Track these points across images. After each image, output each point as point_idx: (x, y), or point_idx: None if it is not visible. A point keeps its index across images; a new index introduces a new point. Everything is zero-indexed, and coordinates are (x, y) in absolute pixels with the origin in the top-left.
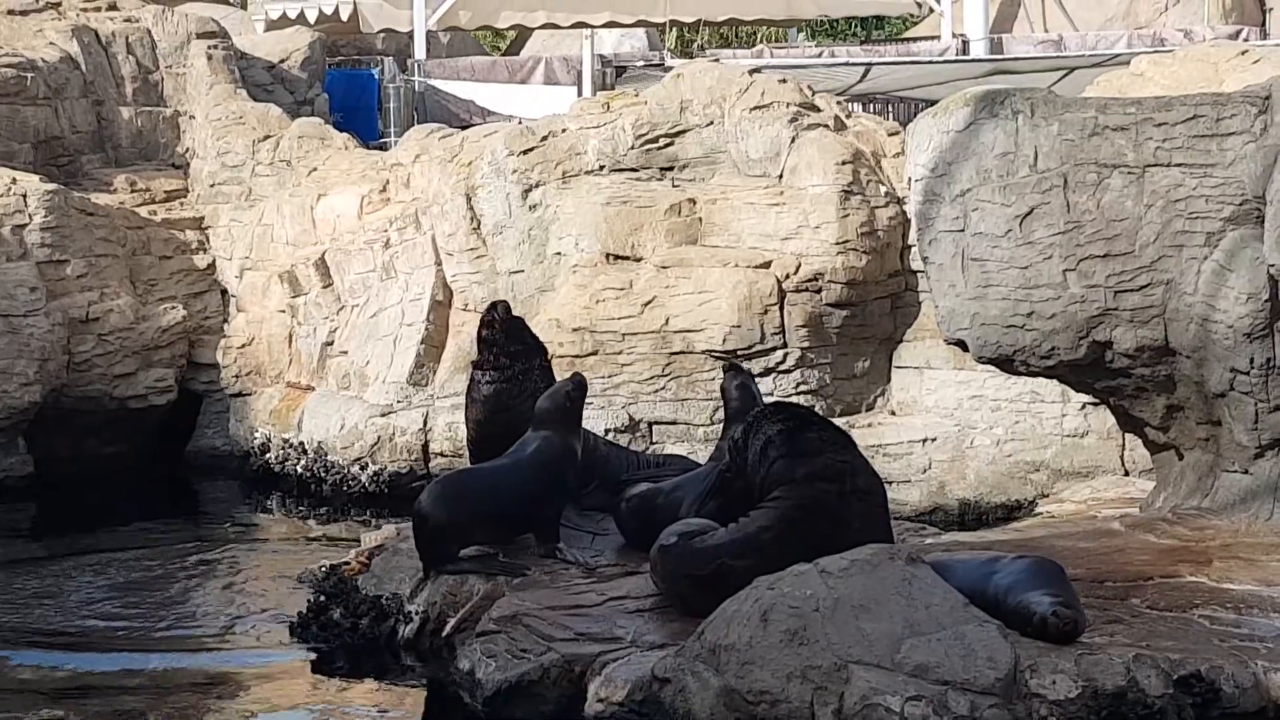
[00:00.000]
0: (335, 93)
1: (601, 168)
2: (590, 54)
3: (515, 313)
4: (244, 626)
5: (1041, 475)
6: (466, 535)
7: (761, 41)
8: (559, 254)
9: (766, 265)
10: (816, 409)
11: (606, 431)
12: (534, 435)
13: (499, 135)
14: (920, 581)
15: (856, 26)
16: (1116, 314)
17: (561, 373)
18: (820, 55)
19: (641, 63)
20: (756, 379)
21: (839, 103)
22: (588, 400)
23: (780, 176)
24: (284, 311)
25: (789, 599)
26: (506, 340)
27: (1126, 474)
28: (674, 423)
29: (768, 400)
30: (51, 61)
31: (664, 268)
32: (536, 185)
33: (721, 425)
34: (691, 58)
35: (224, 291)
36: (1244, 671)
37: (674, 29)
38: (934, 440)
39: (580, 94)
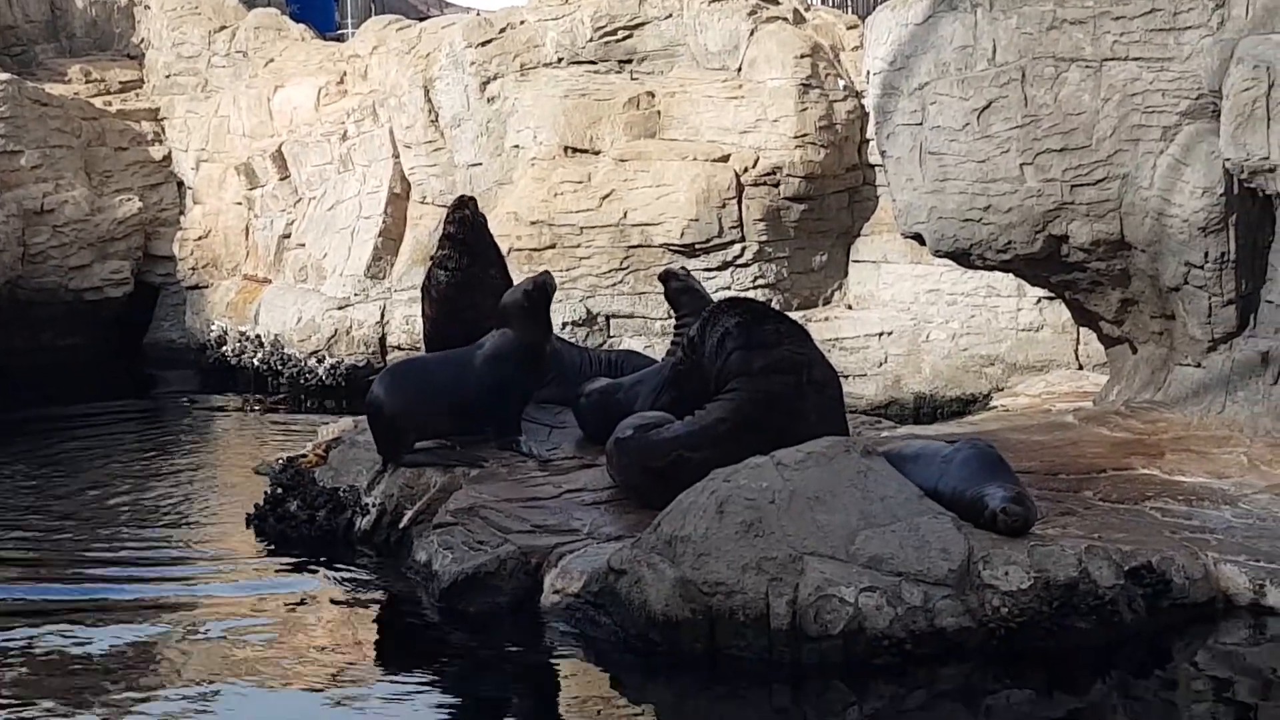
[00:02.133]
0: None
1: (560, 60)
2: None
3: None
4: (200, 519)
5: (996, 369)
6: (422, 425)
7: None
8: (517, 147)
9: (725, 159)
10: (773, 303)
11: (564, 325)
12: (496, 331)
13: (457, 27)
14: (875, 474)
15: None
16: (1073, 208)
17: (518, 267)
18: None
19: None
20: (714, 272)
21: None
22: None
23: (739, 70)
24: (240, 204)
25: (745, 491)
26: (473, 238)
27: (1080, 368)
28: (631, 316)
29: (722, 295)
30: None
31: (622, 161)
32: (495, 78)
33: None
34: None
35: (180, 184)
36: (1194, 563)
37: None
38: (890, 334)
39: None
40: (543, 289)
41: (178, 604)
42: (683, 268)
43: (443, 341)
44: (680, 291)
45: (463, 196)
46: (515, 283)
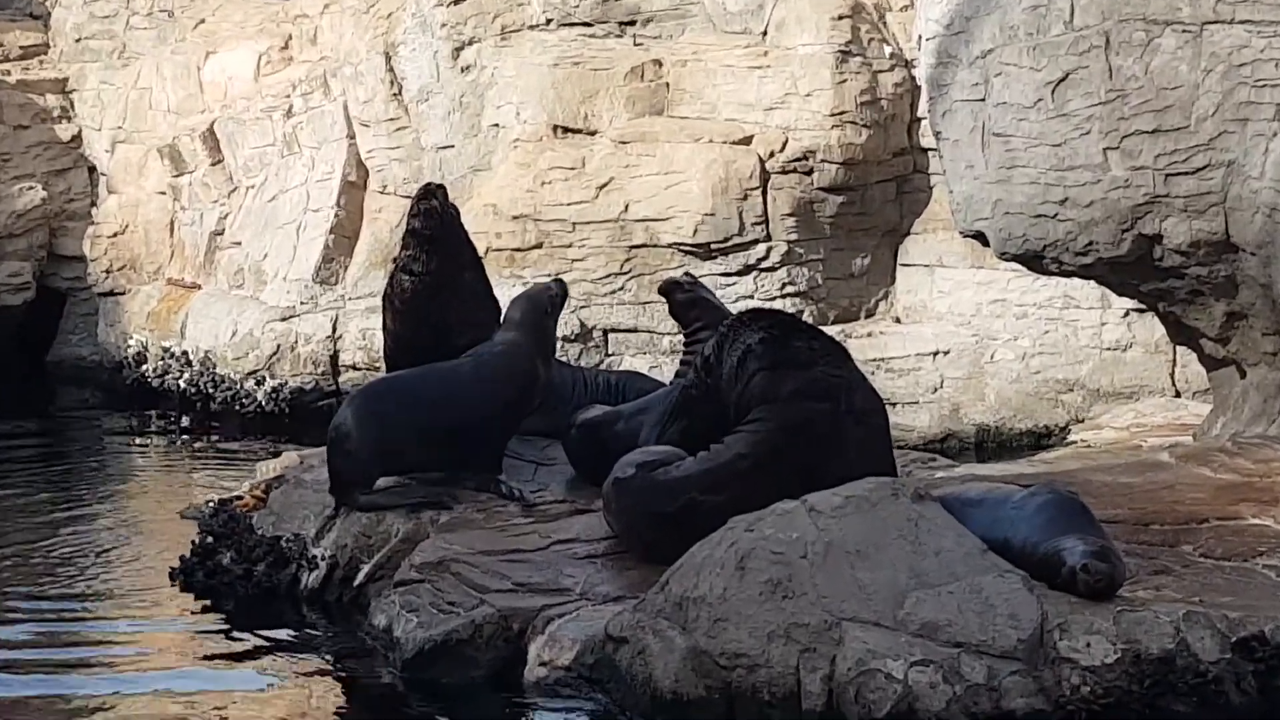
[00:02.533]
0: None
1: (549, 21)
2: None
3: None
4: (116, 573)
5: (1075, 396)
6: (397, 460)
7: None
8: (497, 126)
9: (747, 141)
10: (805, 315)
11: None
12: (502, 337)
13: None
14: (928, 522)
15: None
16: (1167, 201)
17: (496, 272)
18: None
19: None
20: (733, 278)
21: None
22: None
23: (764, 33)
24: (164, 193)
25: (771, 543)
26: (443, 234)
27: (1177, 395)
28: (634, 330)
29: (743, 306)
30: None
31: (623, 143)
32: (470, 42)
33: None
34: None
35: (92, 169)
36: None
37: None
38: (947, 353)
39: None
40: (565, 294)
41: (81, 693)
42: (688, 274)
43: (408, 359)
44: (687, 305)
45: (429, 185)
46: (493, 289)
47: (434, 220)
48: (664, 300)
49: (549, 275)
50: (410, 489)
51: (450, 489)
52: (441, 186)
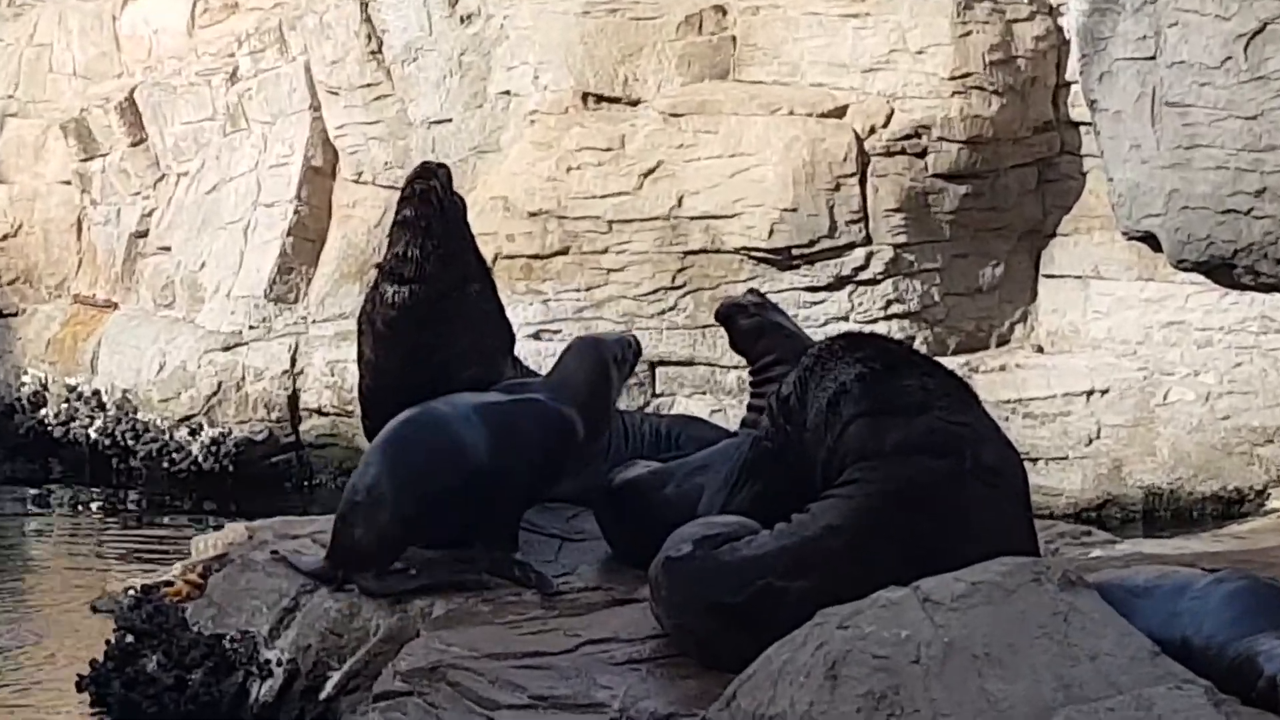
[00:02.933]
0: None
1: None
2: None
3: None
4: (5, 684)
5: (1277, 449)
6: (425, 530)
7: None
8: (508, 94)
9: (839, 113)
10: (918, 343)
11: None
12: (546, 382)
13: None
14: (1082, 616)
15: None
16: None
17: (508, 287)
18: None
19: None
20: (821, 294)
21: None
22: (551, 329)
23: None
24: (69, 183)
25: (872, 644)
26: (444, 231)
27: None
28: (689, 363)
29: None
30: None
31: (675, 116)
32: None
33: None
34: None
35: None
36: None
37: None
38: (1105, 393)
39: None
40: (639, 354)
41: None
42: (754, 292)
43: (392, 400)
44: (754, 332)
45: (428, 163)
46: (504, 307)
47: (433, 209)
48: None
49: (576, 290)
50: (433, 566)
51: (477, 568)
52: (445, 166)
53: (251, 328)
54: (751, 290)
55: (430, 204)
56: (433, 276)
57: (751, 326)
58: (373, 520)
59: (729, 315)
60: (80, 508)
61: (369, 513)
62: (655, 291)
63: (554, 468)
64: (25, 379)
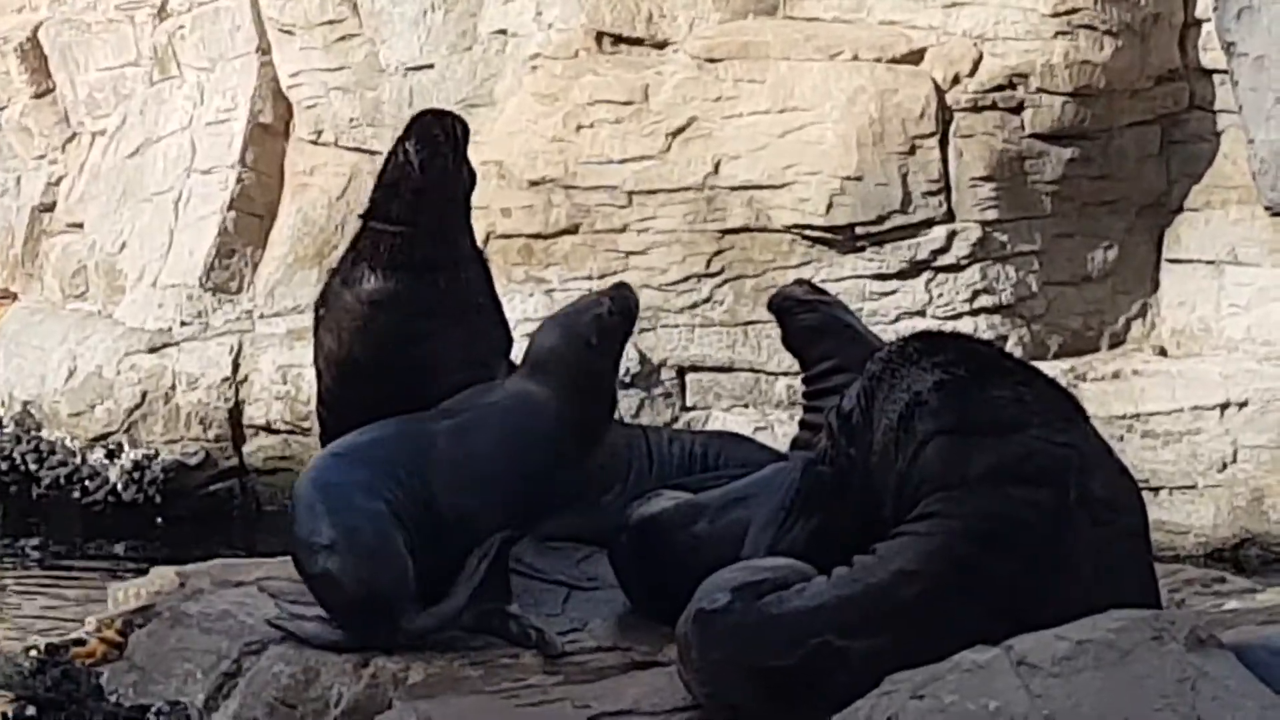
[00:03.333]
0: None
1: None
2: None
3: None
4: None
5: None
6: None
7: None
8: (503, 33)
9: (915, 57)
10: (1011, 344)
11: None
12: (514, 387)
13: None
14: (1214, 684)
15: None
16: None
17: (504, 271)
18: None
19: None
20: (892, 282)
21: None
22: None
23: None
24: None
25: (955, 716)
26: (443, 199)
27: None
28: (729, 369)
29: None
30: None
31: (711, 61)
32: None
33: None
34: None
35: None
36: None
37: None
38: (1243, 406)
39: None
40: (626, 312)
41: None
42: (804, 283)
43: (361, 406)
44: (813, 331)
45: (436, 110)
46: (500, 300)
47: (435, 170)
48: (774, 321)
49: (587, 277)
50: (455, 597)
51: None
52: (461, 119)
53: (184, 324)
54: (801, 281)
55: (438, 159)
56: (421, 260)
57: (810, 324)
58: (387, 568)
59: (783, 308)
60: None
61: (380, 563)
62: (686, 280)
63: (538, 481)
64: None
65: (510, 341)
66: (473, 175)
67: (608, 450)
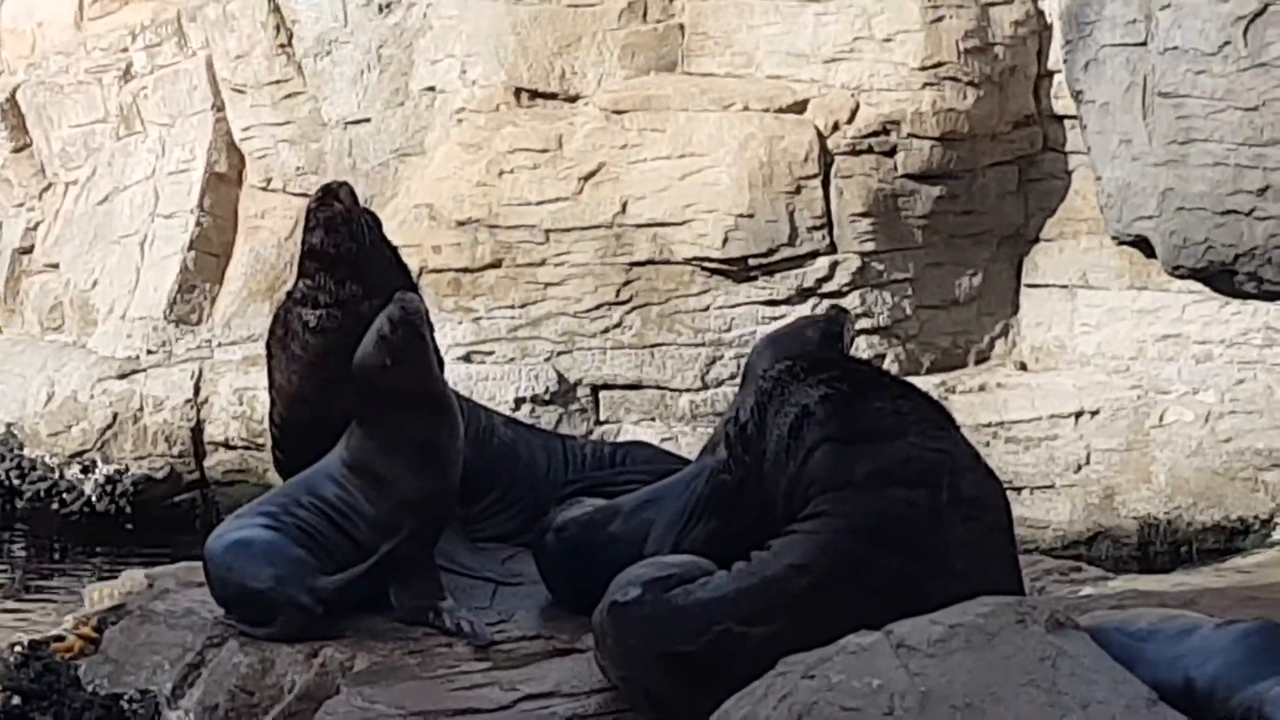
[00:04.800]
0: None
1: None
2: None
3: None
4: None
5: None
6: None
7: None
8: (432, 90)
9: (799, 107)
10: (888, 362)
11: (519, 402)
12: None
13: None
14: (1072, 662)
15: None
16: None
17: (435, 303)
18: None
19: None
20: (780, 307)
21: None
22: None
23: None
24: None
25: (841, 694)
26: (359, 254)
27: None
28: (637, 386)
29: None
30: None
31: (618, 113)
32: None
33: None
34: None
35: None
36: None
37: None
38: (1095, 414)
39: None
40: (409, 320)
41: None
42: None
43: (311, 433)
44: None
45: (329, 185)
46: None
47: (340, 234)
48: (680, 343)
49: (510, 306)
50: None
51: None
52: (346, 185)
53: (150, 352)
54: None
55: (336, 229)
56: (348, 302)
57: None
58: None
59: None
60: None
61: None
62: (598, 307)
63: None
64: None
65: (441, 366)
66: (373, 218)
67: (528, 456)
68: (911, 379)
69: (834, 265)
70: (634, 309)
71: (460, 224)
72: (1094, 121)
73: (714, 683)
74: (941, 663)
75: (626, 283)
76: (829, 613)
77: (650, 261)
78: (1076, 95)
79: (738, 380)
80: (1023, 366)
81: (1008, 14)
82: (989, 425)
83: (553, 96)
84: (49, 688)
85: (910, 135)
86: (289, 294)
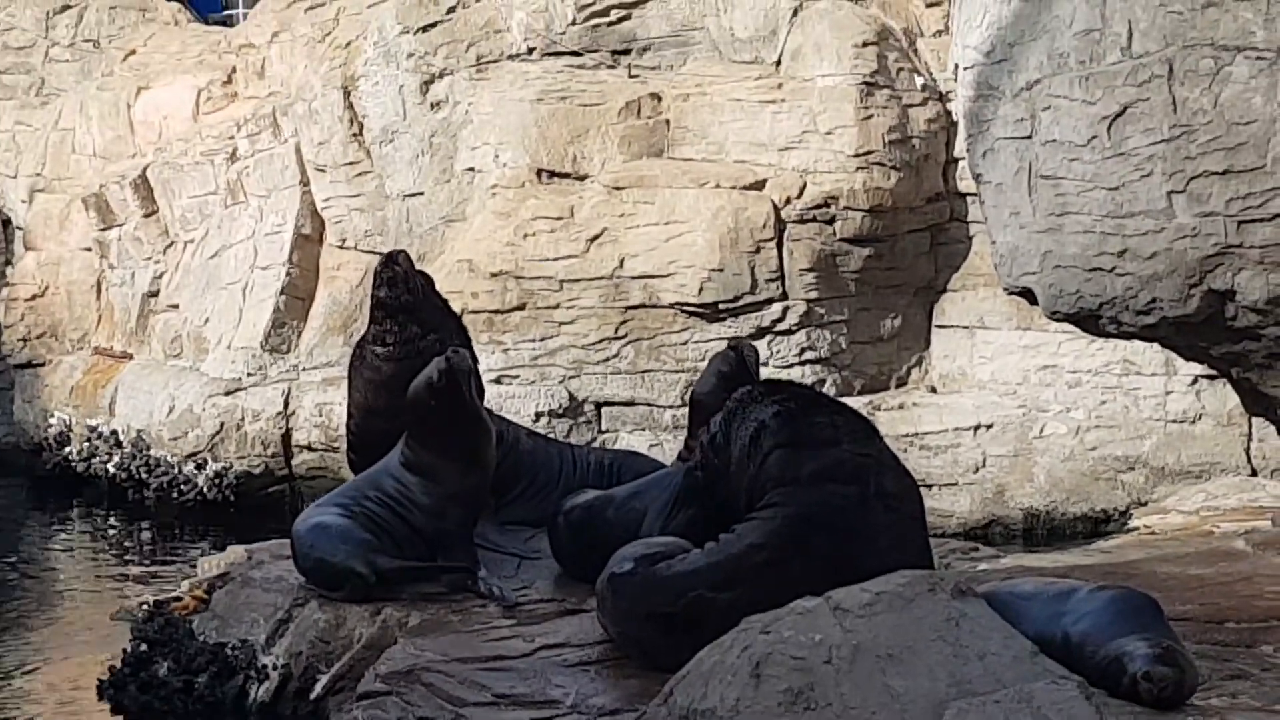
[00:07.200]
0: None
1: (531, 51)
2: None
3: (412, 252)
4: (36, 687)
5: (1137, 475)
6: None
7: None
8: (472, 170)
9: (759, 185)
10: (827, 386)
11: (538, 416)
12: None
13: (389, 4)
14: (971, 621)
15: None
16: (1241, 252)
17: (474, 337)
18: None
19: None
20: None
21: None
22: (510, 375)
23: (777, 63)
24: (90, 250)
25: (790, 646)
26: (415, 304)
27: (1254, 474)
28: (630, 403)
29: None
30: None
31: (617, 189)
32: (441, 75)
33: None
34: None
35: (6, 222)
36: None
37: None
38: (989, 427)
39: None
40: (453, 374)
41: None
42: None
43: (380, 440)
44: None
45: (392, 252)
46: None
47: (400, 289)
48: (665, 369)
49: (532, 340)
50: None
51: (444, 584)
52: (403, 252)
53: (249, 375)
54: (736, 351)
55: (397, 285)
56: (412, 339)
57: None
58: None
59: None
60: (100, 534)
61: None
62: (600, 341)
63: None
64: (52, 421)
65: (483, 392)
66: (426, 278)
67: (544, 461)
68: (845, 399)
69: (786, 309)
70: (629, 343)
71: (494, 275)
72: (990, 197)
73: (690, 637)
74: (869, 622)
75: (623, 322)
76: (781, 582)
77: (642, 305)
78: (976, 177)
79: None
80: (933, 390)
81: (923, 113)
82: (907, 436)
83: (566, 176)
84: (169, 638)
85: (846, 208)
86: (363, 335)
